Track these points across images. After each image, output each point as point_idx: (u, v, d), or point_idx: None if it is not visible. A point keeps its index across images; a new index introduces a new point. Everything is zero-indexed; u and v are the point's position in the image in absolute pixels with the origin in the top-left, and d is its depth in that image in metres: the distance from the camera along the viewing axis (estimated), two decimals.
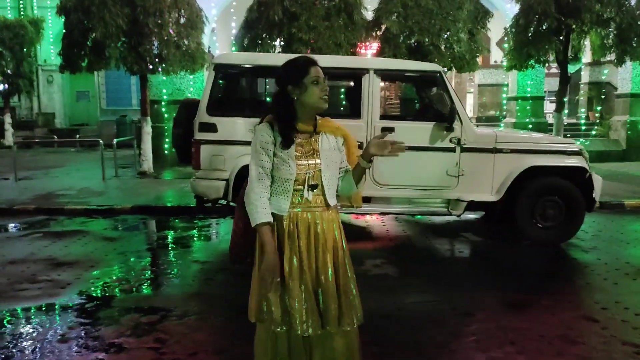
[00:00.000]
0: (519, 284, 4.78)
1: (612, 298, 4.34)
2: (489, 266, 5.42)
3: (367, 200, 5.95)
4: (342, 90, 10.23)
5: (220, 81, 6.09)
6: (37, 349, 3.41)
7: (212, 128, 5.84)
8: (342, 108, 10.67)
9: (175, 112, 12.29)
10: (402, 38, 10.46)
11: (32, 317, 3.97)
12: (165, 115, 12.71)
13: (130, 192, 9.11)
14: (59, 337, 3.59)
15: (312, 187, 2.27)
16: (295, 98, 2.24)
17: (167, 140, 12.50)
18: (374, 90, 5.96)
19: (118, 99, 21.89)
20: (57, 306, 4.17)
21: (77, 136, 18.12)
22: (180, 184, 9.83)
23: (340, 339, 2.36)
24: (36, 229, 6.87)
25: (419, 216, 7.26)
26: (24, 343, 3.51)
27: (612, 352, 3.38)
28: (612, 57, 11.21)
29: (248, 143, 5.78)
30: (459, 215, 6.11)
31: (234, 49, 11.19)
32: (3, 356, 3.31)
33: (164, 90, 12.68)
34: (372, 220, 7.40)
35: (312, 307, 2.26)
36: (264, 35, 10.62)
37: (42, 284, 4.69)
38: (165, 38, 10.11)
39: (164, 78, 11.84)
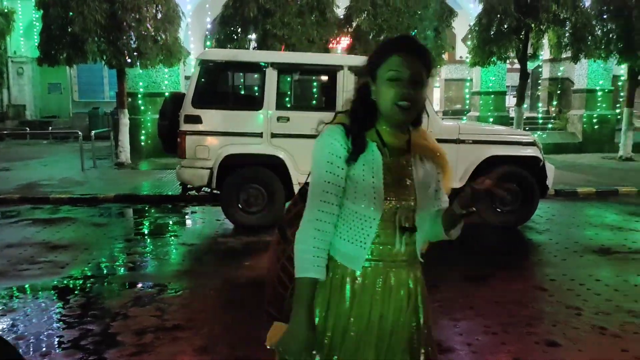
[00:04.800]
0: (479, 261, 5.34)
1: (560, 271, 4.92)
2: (452, 246, 5.94)
3: None
4: (316, 84, 10.67)
5: (205, 76, 6.46)
6: (48, 320, 3.78)
7: (196, 120, 6.23)
8: (316, 102, 11.12)
9: (151, 104, 12.71)
10: (372, 35, 11.00)
11: (39, 292, 4.32)
12: (142, 108, 12.92)
13: (111, 182, 9.37)
14: (67, 309, 3.96)
15: (406, 232, 1.55)
16: (374, 97, 1.54)
17: (143, 132, 12.73)
18: (348, 86, 6.42)
19: (90, 92, 21.78)
20: (59, 284, 4.52)
21: (50, 128, 18.06)
22: (158, 174, 10.14)
23: None
24: (25, 217, 7.13)
25: None
26: (35, 316, 3.87)
27: (557, 313, 3.94)
28: (569, 54, 11.95)
29: (230, 134, 6.28)
30: None
31: (208, 43, 11.50)
32: (22, 325, 3.67)
33: (140, 83, 12.89)
34: None
35: None
36: (239, 31, 11.00)
37: (42, 264, 5.02)
38: (144, 33, 10.35)
39: (141, 71, 12.06)
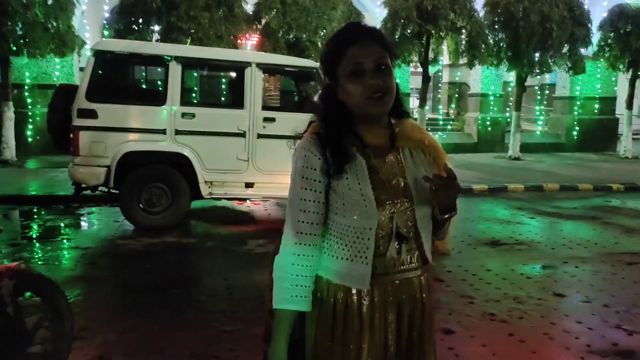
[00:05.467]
0: None
1: (456, 263, 5.15)
2: None
3: (250, 185, 6.31)
4: (224, 81, 10.43)
5: (101, 67, 6.05)
6: None
7: (92, 114, 5.81)
8: (224, 99, 10.87)
9: (41, 96, 11.75)
10: (281, 33, 10.94)
11: None
12: (29, 101, 11.91)
13: None
14: None
15: (403, 240, 1.41)
16: (339, 98, 1.42)
17: (31, 127, 11.74)
18: (256, 83, 6.31)
19: None
20: None
21: None
22: (49, 173, 9.38)
23: None
24: None
25: None
26: None
27: (453, 303, 4.13)
28: (465, 60, 12.65)
29: (131, 130, 5.93)
30: None
31: (106, 33, 10.83)
32: None
33: (27, 74, 11.88)
34: (255, 206, 7.76)
35: None
36: (140, 22, 10.46)
37: None
38: (32, 19, 9.52)
39: (28, 61, 11.10)
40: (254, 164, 6.26)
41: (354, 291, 1.39)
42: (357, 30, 1.42)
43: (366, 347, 1.39)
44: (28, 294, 2.69)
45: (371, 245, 1.37)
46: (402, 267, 1.42)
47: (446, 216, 1.42)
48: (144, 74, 7.94)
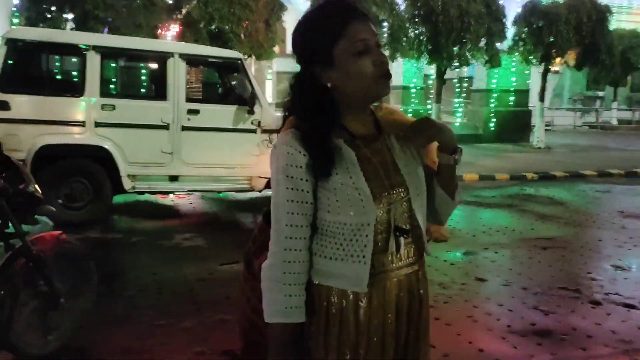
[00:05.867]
0: None
1: None
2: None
3: (174, 179, 6.22)
4: (146, 72, 10.14)
5: (13, 57, 5.72)
6: None
7: (3, 106, 5.50)
8: (146, 90, 10.56)
9: None
10: (203, 24, 10.76)
11: None
12: None
13: None
14: None
15: (403, 233, 1.32)
16: (330, 85, 1.29)
17: None
18: (179, 74, 6.21)
19: None
20: None
21: None
22: None
23: None
24: None
25: (223, 194, 7.70)
26: None
27: None
28: (388, 53, 13.00)
29: (47, 122, 5.67)
30: (260, 191, 6.71)
31: (16, 21, 10.20)
32: None
33: None
34: (179, 199, 7.65)
35: None
36: (53, 9, 9.91)
37: None
38: None
39: None
40: (179, 156, 6.17)
41: (349, 293, 1.28)
42: (351, 5, 1.29)
43: (363, 353, 1.29)
44: None
45: (369, 243, 1.26)
46: (400, 263, 1.32)
47: (454, 156, 1.33)
48: (59, 64, 7.59)
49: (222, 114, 6.38)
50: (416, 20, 12.90)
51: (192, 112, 6.22)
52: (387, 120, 1.39)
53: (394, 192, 1.30)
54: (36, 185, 2.83)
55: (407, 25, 12.64)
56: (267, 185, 6.66)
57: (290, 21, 14.33)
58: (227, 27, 10.75)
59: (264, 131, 6.50)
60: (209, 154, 6.29)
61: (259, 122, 6.45)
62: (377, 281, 1.28)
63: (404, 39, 12.49)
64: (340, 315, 1.28)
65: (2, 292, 2.67)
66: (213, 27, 10.87)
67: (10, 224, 2.68)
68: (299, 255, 1.27)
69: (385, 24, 12.04)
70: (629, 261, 5.25)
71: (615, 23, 17.65)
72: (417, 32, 12.98)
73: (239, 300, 1.47)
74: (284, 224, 1.26)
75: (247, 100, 6.32)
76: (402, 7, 12.72)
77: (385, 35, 12.26)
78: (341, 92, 1.28)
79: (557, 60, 14.59)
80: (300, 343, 1.29)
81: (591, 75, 21.27)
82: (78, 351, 3.16)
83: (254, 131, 6.45)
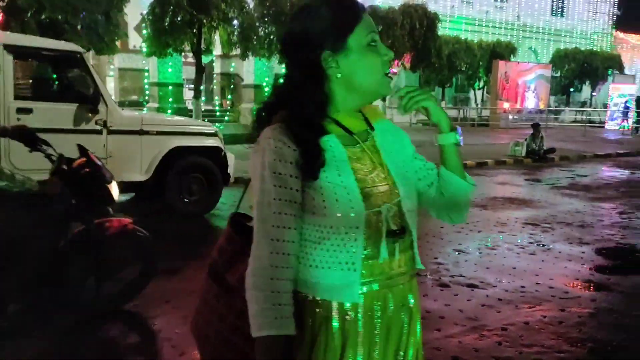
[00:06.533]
0: (172, 252, 5.28)
1: None
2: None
3: None
4: None
5: None
6: None
7: None
8: None
9: None
10: (30, 13, 9.64)
11: None
12: None
13: None
14: None
15: (397, 236, 1.21)
16: (339, 75, 1.19)
17: None
18: (5, 68, 5.47)
19: None
20: None
21: None
22: None
23: None
24: None
25: None
26: None
27: None
28: (239, 51, 12.92)
29: None
30: (112, 199, 6.18)
31: None
32: None
33: None
34: None
35: None
36: None
37: None
38: None
39: None
40: (7, 162, 5.43)
41: (334, 305, 1.17)
42: None
43: None
44: None
45: (359, 248, 1.15)
46: (391, 272, 1.21)
47: (454, 134, 1.28)
48: None
49: (59, 113, 5.76)
50: (266, 19, 13.01)
51: (22, 110, 5.53)
52: (374, 117, 1.31)
53: (385, 193, 1.21)
54: (114, 182, 3.77)
55: (257, 24, 12.69)
56: (121, 190, 6.18)
57: (131, 15, 13.49)
58: (60, 17, 9.76)
59: (111, 132, 6.01)
60: (41, 159, 5.62)
61: (105, 122, 5.95)
62: (364, 292, 1.18)
63: (255, 37, 12.51)
64: (325, 328, 1.17)
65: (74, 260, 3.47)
66: (43, 16, 9.79)
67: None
68: (288, 259, 1.14)
69: (235, 22, 11.92)
70: (467, 245, 5.82)
71: (442, 30, 19.56)
72: (267, 31, 13.11)
73: (207, 325, 1.31)
74: (271, 225, 1.12)
75: (89, 98, 5.79)
76: (252, 6, 12.72)
77: (236, 33, 12.16)
78: (347, 83, 1.19)
79: (395, 62, 15.81)
80: (289, 358, 1.16)
81: (423, 77, 23.36)
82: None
83: (99, 132, 5.93)
